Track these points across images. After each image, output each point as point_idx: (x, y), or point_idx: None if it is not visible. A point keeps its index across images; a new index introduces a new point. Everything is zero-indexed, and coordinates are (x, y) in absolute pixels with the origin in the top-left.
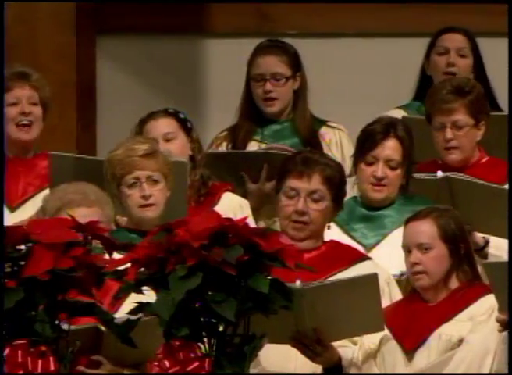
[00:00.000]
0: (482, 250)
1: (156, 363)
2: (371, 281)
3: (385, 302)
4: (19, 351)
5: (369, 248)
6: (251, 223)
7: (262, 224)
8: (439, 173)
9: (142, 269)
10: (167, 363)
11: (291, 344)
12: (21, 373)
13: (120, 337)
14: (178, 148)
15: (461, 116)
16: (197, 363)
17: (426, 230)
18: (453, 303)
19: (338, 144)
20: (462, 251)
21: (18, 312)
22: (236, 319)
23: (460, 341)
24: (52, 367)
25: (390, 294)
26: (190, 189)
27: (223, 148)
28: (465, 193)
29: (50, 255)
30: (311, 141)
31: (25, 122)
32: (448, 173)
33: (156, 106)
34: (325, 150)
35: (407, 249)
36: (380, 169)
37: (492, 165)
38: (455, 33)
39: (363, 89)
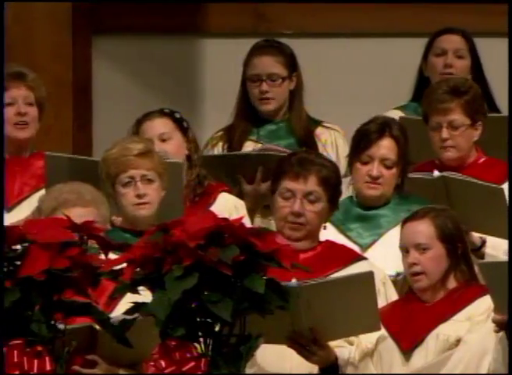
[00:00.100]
0: (479, 250)
1: (152, 363)
2: (366, 279)
3: (381, 302)
4: (16, 351)
5: (365, 247)
6: (247, 223)
7: (258, 221)
8: (436, 173)
9: (138, 269)
10: (163, 363)
11: (287, 345)
12: (17, 373)
13: (116, 337)
14: (174, 148)
15: (457, 116)
16: (193, 363)
17: (424, 230)
18: (450, 303)
19: (333, 144)
20: (459, 251)
21: (14, 312)
22: (232, 319)
23: (458, 341)
24: (48, 367)
25: (386, 295)
26: (185, 188)
27: (219, 147)
28: (461, 192)
29: (46, 255)
30: (307, 141)
31: (21, 122)
32: (444, 173)
33: (152, 106)
34: (321, 150)
35: (405, 250)
36: (375, 168)
37: (489, 165)
38: (452, 34)
39: (359, 89)
